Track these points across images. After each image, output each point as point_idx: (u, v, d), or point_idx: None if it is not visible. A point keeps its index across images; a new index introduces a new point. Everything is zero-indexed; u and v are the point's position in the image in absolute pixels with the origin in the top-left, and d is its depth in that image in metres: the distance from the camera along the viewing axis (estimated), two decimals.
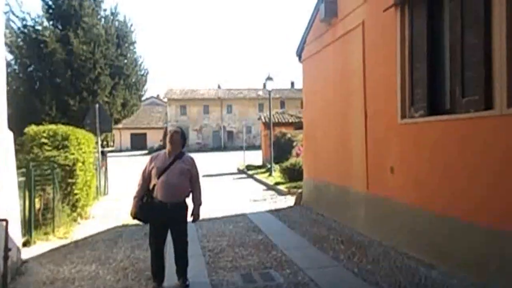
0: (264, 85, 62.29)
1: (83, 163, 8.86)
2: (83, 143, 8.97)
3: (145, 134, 60.54)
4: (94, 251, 6.73)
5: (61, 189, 8.09)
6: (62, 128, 8.37)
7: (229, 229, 8.08)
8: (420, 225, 5.49)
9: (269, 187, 14.87)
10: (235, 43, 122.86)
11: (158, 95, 67.47)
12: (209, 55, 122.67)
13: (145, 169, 4.81)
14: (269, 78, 18.24)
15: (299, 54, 10.80)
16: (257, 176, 18.54)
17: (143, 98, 28.72)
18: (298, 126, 24.37)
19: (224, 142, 55.52)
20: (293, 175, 14.54)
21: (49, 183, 7.70)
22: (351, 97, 7.62)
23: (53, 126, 8.40)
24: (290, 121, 24.38)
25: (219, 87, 61.37)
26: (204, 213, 9.92)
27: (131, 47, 22.79)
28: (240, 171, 22.80)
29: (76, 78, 20.51)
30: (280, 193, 13.09)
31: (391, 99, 6.13)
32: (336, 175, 8.42)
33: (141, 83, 23.50)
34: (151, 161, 4.80)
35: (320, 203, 9.26)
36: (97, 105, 12.70)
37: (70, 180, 8.32)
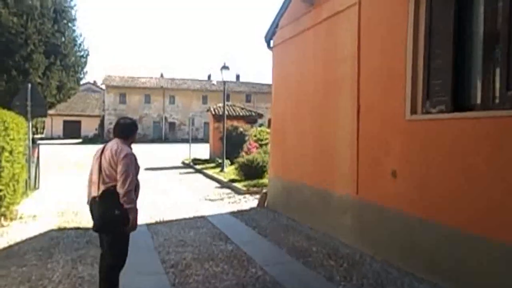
0: (209, 77, 61.09)
1: (10, 152, 7.19)
2: (12, 128, 7.28)
3: (79, 122, 57.43)
4: (23, 267, 5.24)
5: None
6: None
7: (190, 236, 6.88)
8: (430, 241, 4.66)
9: (223, 185, 13.70)
10: (179, 31, 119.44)
11: (94, 81, 63.92)
12: (151, 42, 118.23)
13: (134, 167, 3.87)
14: (224, 67, 16.96)
15: (268, 40, 9.74)
16: (207, 172, 17.27)
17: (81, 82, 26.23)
18: (249, 120, 23.48)
19: (165, 134, 53.47)
20: (250, 172, 13.51)
21: None
22: (337, 88, 6.69)
23: None
24: (241, 114, 23.25)
25: (162, 76, 59.07)
26: (156, 215, 8.69)
27: (70, 24, 20.31)
28: (186, 165, 21.41)
29: (4, 54, 17.70)
30: (237, 192, 11.98)
31: (396, 91, 5.25)
32: (313, 176, 7.47)
33: (80, 65, 21.16)
34: (135, 158, 3.94)
35: (290, 206, 8.29)
36: (29, 85, 10.85)
37: None
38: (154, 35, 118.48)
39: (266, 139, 24.42)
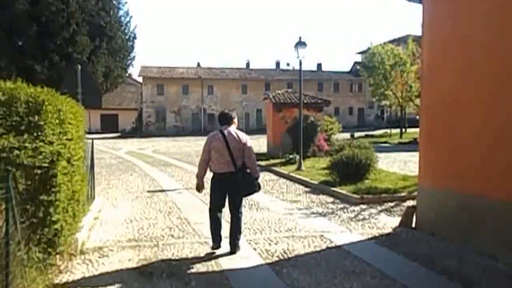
0: (247, 65, 58.82)
1: (68, 160, 4.61)
2: (70, 121, 4.72)
3: (116, 115, 56.65)
4: None
5: (25, 216, 3.89)
6: (27, 89, 4.07)
7: None
8: None
9: (314, 189, 10.91)
10: (214, 19, 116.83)
11: (130, 74, 62.31)
12: (185, 28, 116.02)
13: None
14: (300, 43, 13.98)
15: None
16: (279, 170, 14.53)
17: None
18: (316, 108, 20.53)
19: (204, 126, 51.14)
20: (348, 172, 10.70)
21: None
22: None
23: (9, 84, 4.09)
24: (305, 101, 20.25)
25: (199, 65, 56.83)
26: (268, 244, 6.03)
27: (115, 2, 17.83)
28: None
29: (44, 36, 15.35)
30: (345, 200, 9.17)
31: None
32: None
33: (126, 49, 18.56)
34: None
35: (480, 235, 5.42)
36: (79, 66, 8.37)
37: (44, 197, 4.04)
38: (187, 21, 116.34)
39: (331, 129, 21.49)
